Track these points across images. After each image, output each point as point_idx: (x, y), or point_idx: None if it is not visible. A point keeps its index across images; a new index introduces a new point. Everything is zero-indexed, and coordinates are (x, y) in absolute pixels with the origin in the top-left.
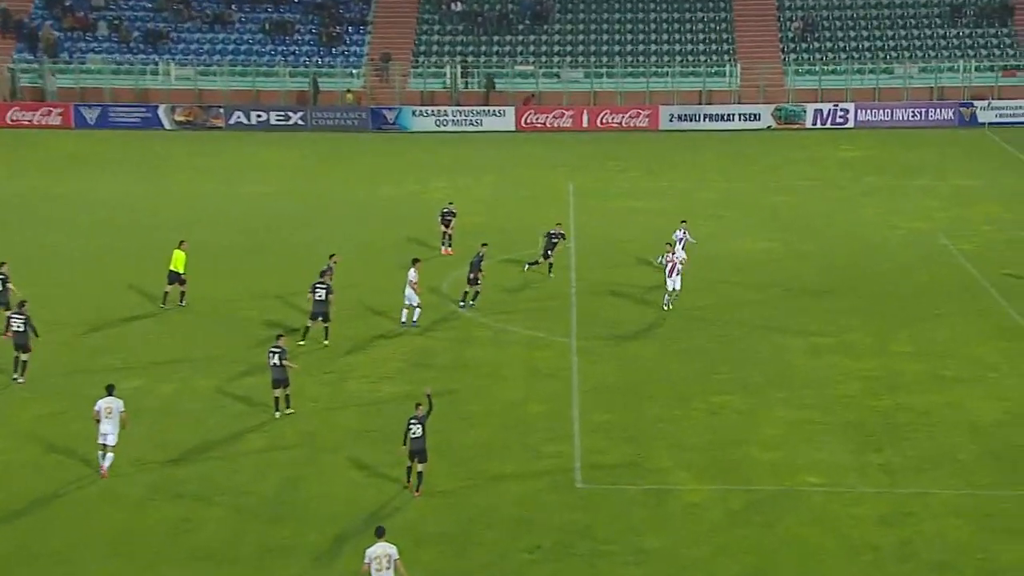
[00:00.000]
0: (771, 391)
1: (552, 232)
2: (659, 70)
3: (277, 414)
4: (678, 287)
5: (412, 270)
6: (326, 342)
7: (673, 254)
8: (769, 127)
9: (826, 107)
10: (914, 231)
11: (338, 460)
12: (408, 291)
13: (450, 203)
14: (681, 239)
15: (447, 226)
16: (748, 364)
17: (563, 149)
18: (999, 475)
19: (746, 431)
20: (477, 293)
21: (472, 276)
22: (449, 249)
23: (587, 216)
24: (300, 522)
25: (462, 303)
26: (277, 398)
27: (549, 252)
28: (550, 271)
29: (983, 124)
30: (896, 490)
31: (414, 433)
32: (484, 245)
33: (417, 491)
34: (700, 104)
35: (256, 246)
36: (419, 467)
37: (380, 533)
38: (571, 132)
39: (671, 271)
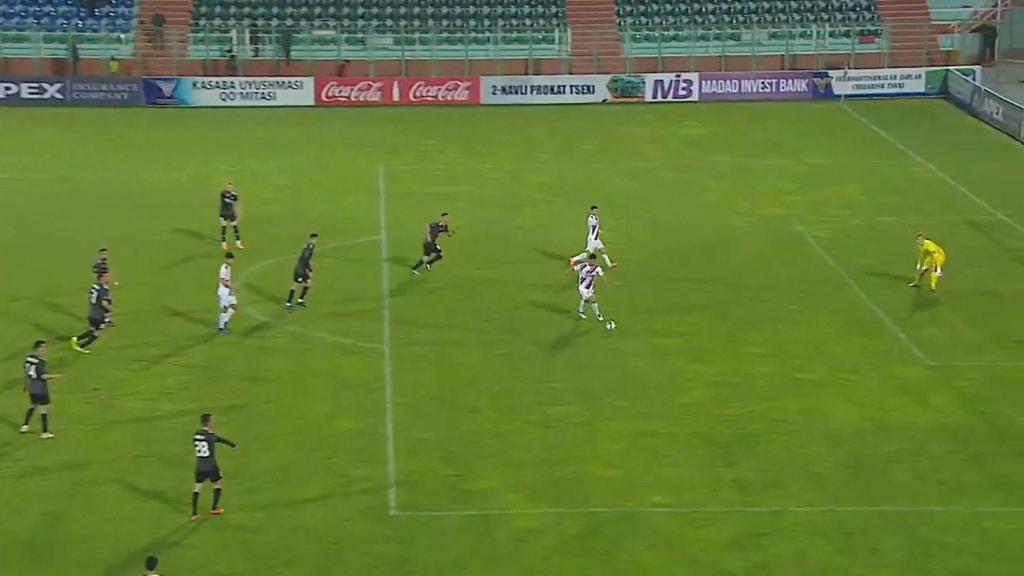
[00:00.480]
0: (611, 400)
1: (436, 224)
2: (479, 36)
3: (24, 427)
4: (588, 295)
5: (224, 266)
6: (85, 350)
7: (592, 265)
8: (605, 100)
9: (667, 78)
10: (766, 217)
11: (108, 491)
12: (221, 290)
13: (229, 183)
14: (594, 227)
15: (228, 215)
16: (585, 370)
17: (371, 127)
18: (860, 489)
19: (584, 446)
20: (306, 290)
21: (301, 272)
22: (239, 242)
23: (400, 204)
24: (63, 566)
25: (288, 303)
26: (31, 413)
27: (432, 255)
28: (429, 264)
29: (839, 96)
30: (750, 508)
31: (200, 451)
32: (314, 236)
33: (214, 508)
34: (526, 75)
35: (8, 242)
36: (214, 485)
37: (151, 565)
38: (379, 107)
39: (588, 283)
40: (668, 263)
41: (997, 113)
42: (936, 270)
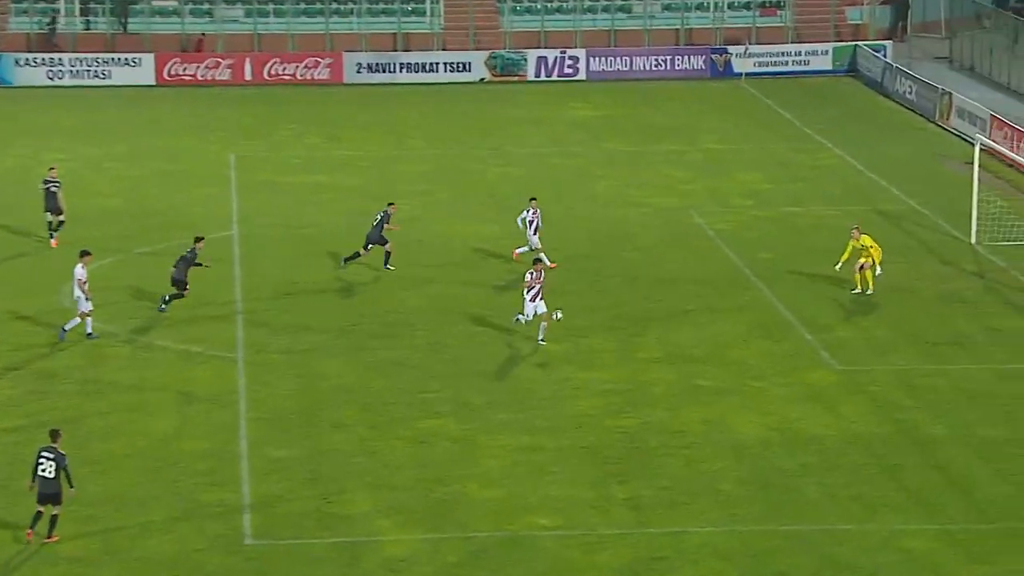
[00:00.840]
0: (492, 412)
1: (385, 212)
2: (342, 8)
3: None
4: (541, 311)
5: (79, 265)
6: None
7: (538, 275)
8: (483, 79)
9: (552, 54)
10: (662, 208)
11: None
12: (77, 292)
13: (52, 170)
14: (532, 222)
15: (54, 207)
16: (464, 379)
17: (220, 109)
18: (766, 507)
19: (462, 464)
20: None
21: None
22: (53, 240)
23: (254, 196)
24: None
25: (163, 305)
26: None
27: (371, 243)
28: (387, 262)
29: (739, 74)
30: (646, 530)
31: (45, 471)
32: (199, 240)
33: (50, 535)
34: (395, 51)
35: None
36: (54, 510)
37: None
38: (230, 87)
39: (535, 295)
40: (554, 259)
41: (910, 92)
42: (875, 268)
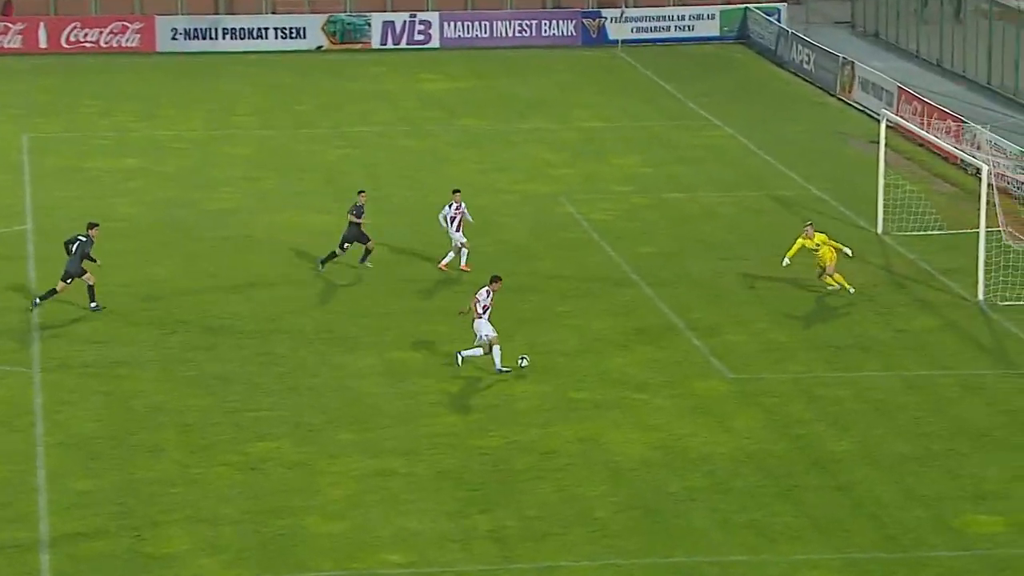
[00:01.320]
0: (333, 432)
1: (359, 206)
2: None
3: None
4: (491, 334)
5: None
6: None
7: (493, 295)
8: (320, 48)
9: (399, 18)
10: (528, 195)
11: None
12: None
13: None
14: (453, 217)
15: None
16: (300, 394)
17: (10, 82)
18: (650, 536)
19: (299, 493)
20: (53, 291)
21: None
22: None
23: (52, 184)
24: None
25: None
26: None
27: (348, 242)
28: (364, 258)
29: (615, 42)
30: (512, 565)
31: None
32: (93, 227)
33: None
34: (216, 14)
35: None
36: None
37: None
38: (21, 56)
39: (482, 310)
40: (402, 255)
41: (807, 62)
42: (829, 270)
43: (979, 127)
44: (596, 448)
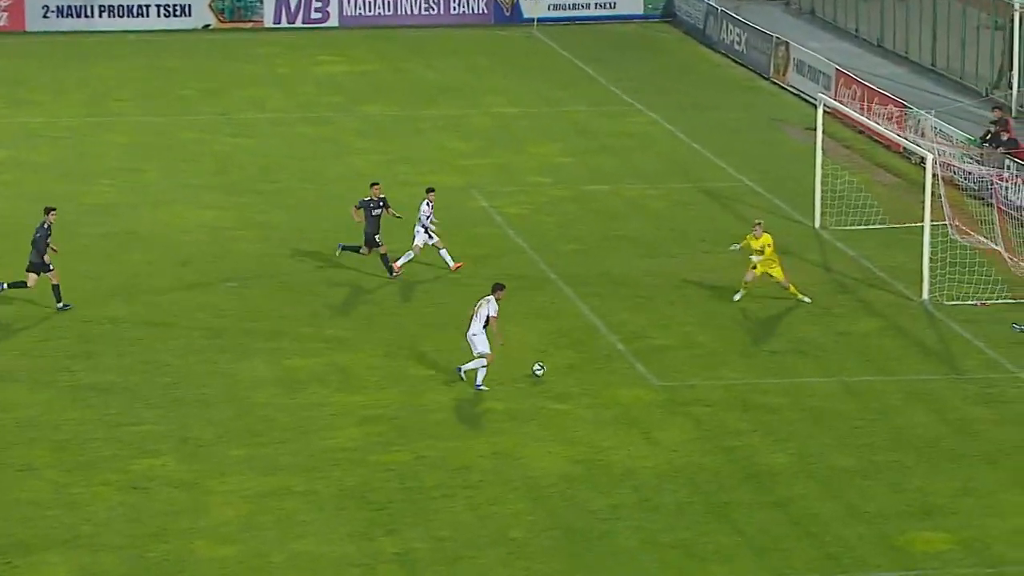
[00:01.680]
0: (225, 448)
1: (371, 200)
2: None
3: None
4: (486, 351)
5: None
6: None
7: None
8: (206, 26)
9: None
10: (437, 187)
11: None
12: None
13: None
14: (427, 215)
15: None
16: (187, 407)
17: None
18: (570, 558)
19: (187, 514)
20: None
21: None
22: None
23: None
24: None
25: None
26: None
27: (376, 237)
28: (390, 271)
29: (531, 20)
30: None
31: None
32: (50, 211)
33: None
34: None
35: None
36: None
37: None
38: None
39: (484, 322)
40: (304, 257)
41: (739, 43)
42: (751, 274)
43: (923, 113)
44: (512, 463)
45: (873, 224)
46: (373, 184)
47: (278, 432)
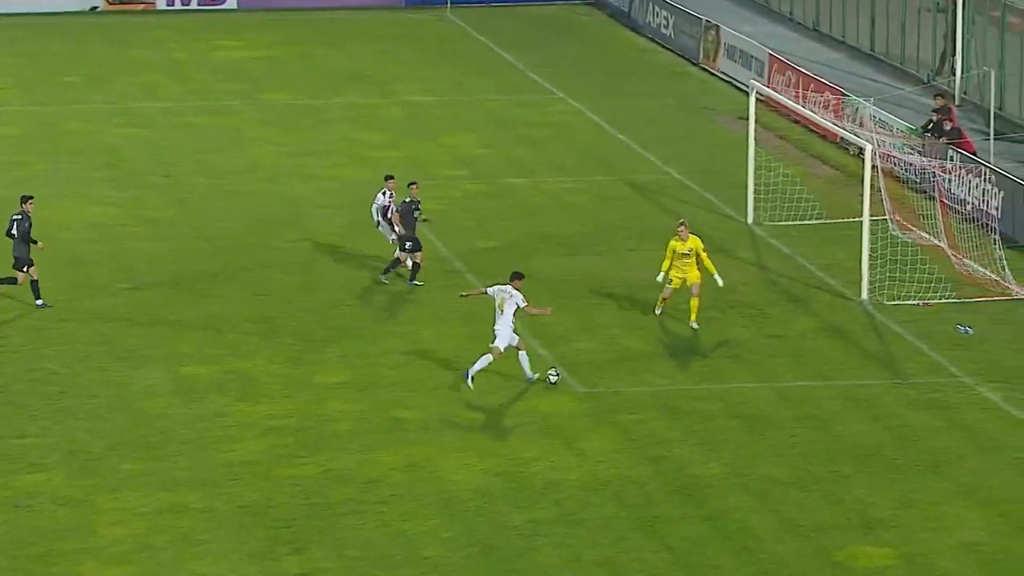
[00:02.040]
0: (116, 462)
1: (410, 201)
2: None
3: None
4: (502, 345)
5: None
6: None
7: (514, 289)
8: (94, 8)
9: None
10: (344, 182)
11: None
12: None
13: None
14: (387, 207)
15: None
16: (75, 418)
17: None
18: None
19: (76, 534)
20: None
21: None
22: None
23: None
24: None
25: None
26: None
27: (409, 245)
28: (412, 277)
29: (444, 3)
30: None
31: None
32: (27, 200)
33: None
34: None
35: None
36: None
37: None
38: None
39: (513, 314)
40: (199, 255)
41: (666, 26)
42: (694, 291)
43: (862, 101)
44: (426, 476)
45: (809, 219)
46: (411, 184)
47: (174, 445)
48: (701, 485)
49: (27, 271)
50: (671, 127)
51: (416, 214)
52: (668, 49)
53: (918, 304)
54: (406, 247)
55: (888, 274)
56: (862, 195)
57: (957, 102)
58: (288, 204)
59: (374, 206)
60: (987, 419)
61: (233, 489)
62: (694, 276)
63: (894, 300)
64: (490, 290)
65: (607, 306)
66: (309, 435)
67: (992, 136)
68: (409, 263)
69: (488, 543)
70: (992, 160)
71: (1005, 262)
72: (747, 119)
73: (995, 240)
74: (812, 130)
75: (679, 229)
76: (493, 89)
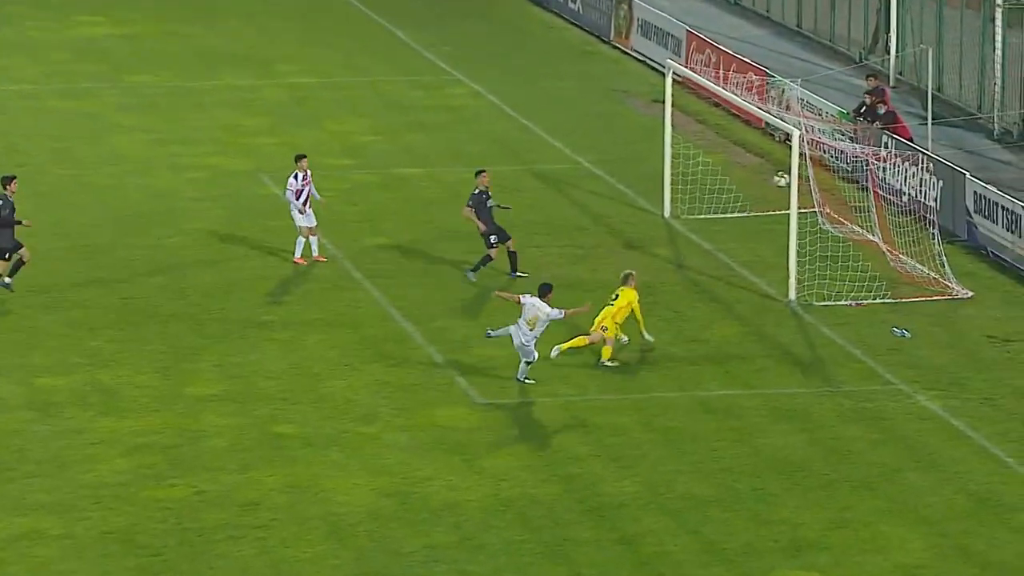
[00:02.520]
0: None
1: (481, 191)
2: None
3: None
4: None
5: None
6: None
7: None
8: None
9: None
10: (220, 172)
11: None
12: None
13: None
14: (302, 191)
15: None
16: None
17: None
18: None
19: None
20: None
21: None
22: None
23: None
24: None
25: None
26: None
27: (494, 239)
28: (513, 268)
29: None
30: None
31: None
32: (10, 180)
33: None
34: None
35: None
36: None
37: None
38: None
39: (533, 325)
40: (59, 256)
41: (574, 1)
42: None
43: (788, 82)
44: (310, 498)
45: (731, 212)
46: (480, 172)
47: (29, 465)
48: (614, 505)
49: (20, 253)
50: (580, 111)
51: (489, 203)
52: (576, 26)
53: (850, 305)
54: (491, 242)
55: (817, 272)
56: (789, 186)
57: (892, 83)
58: (157, 197)
59: (287, 191)
60: (925, 430)
61: (96, 513)
62: (612, 324)
63: (824, 300)
64: (524, 300)
65: (512, 309)
66: (180, 453)
67: (930, 120)
68: (494, 254)
69: (379, 571)
70: (930, 147)
71: (944, 258)
72: (663, 102)
73: (933, 235)
74: (734, 114)
75: (627, 279)
76: (385, 70)
